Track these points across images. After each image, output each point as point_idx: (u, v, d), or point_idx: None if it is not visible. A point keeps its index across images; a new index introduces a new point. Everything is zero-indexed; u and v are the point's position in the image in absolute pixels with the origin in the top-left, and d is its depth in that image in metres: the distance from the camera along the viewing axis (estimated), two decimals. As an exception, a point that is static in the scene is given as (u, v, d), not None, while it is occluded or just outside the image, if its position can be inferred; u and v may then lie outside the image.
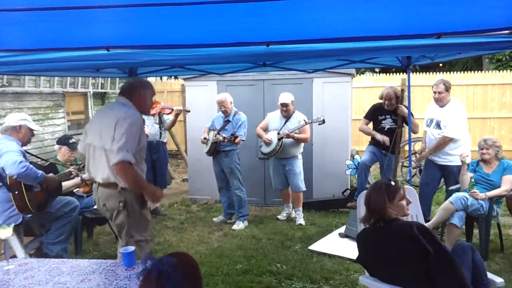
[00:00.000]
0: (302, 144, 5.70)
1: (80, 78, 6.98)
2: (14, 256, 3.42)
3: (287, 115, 5.58)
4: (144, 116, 5.72)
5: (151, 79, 10.76)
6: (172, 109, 5.89)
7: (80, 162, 4.92)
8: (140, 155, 3.06)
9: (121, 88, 3.31)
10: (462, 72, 10.29)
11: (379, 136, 5.19)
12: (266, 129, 5.75)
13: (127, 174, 2.90)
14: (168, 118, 6.04)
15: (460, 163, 4.75)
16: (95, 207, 4.52)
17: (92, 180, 3.23)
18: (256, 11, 2.17)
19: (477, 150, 4.55)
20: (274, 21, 2.44)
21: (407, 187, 3.17)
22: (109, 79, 7.84)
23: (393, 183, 2.70)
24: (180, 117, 9.62)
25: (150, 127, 5.86)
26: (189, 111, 6.24)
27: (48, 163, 4.35)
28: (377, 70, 16.32)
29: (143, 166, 3.16)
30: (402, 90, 5.07)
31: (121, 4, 2.01)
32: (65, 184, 4.36)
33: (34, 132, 4.03)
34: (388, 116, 5.23)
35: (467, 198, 4.30)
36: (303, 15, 2.30)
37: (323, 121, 5.49)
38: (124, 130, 2.88)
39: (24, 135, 3.89)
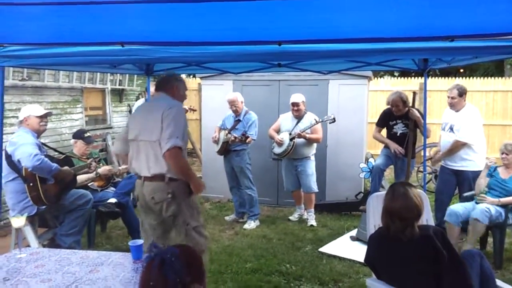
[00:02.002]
0: (315, 145, 5.69)
1: (98, 74, 7.07)
2: (28, 246, 3.50)
3: (298, 115, 5.58)
4: None
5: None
6: None
7: (96, 156, 5.00)
8: (184, 146, 3.14)
9: (155, 84, 3.41)
10: (482, 78, 10.13)
11: (392, 147, 5.14)
12: (278, 130, 5.76)
13: (178, 160, 2.99)
14: None
15: (474, 169, 4.68)
16: (109, 201, 4.61)
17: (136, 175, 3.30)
18: (268, 10, 2.19)
19: (499, 155, 4.49)
20: (286, 21, 2.45)
21: (418, 191, 3.14)
22: (127, 76, 7.91)
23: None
24: (196, 116, 9.75)
25: None
26: (195, 110, 6.23)
27: (64, 156, 4.43)
28: (396, 74, 16.18)
29: (185, 155, 3.22)
30: (414, 93, 5.00)
31: (136, 0, 2.05)
32: (80, 178, 4.44)
33: (46, 117, 4.08)
34: (399, 121, 5.17)
35: (489, 209, 4.21)
36: (315, 14, 2.30)
37: (334, 120, 5.48)
38: (172, 118, 2.99)
39: (34, 124, 3.95)
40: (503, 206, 4.28)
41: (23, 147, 3.68)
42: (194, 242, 3.14)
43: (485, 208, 4.20)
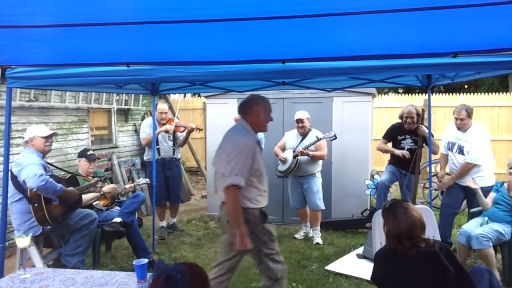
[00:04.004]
0: (320, 162, 5.67)
1: (104, 94, 7.14)
2: (33, 267, 3.49)
3: (303, 132, 5.58)
4: (160, 134, 5.84)
5: (174, 96, 10.96)
6: (186, 127, 5.98)
7: (102, 175, 5.01)
8: (256, 177, 3.14)
9: (238, 107, 3.39)
10: (487, 93, 10.14)
11: (398, 151, 5.14)
12: (284, 148, 5.76)
13: (231, 199, 2.99)
14: (182, 135, 6.12)
15: (484, 185, 4.62)
16: (114, 220, 4.60)
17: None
18: (272, 29, 2.21)
19: (507, 169, 4.45)
20: (290, 39, 2.48)
21: (423, 207, 3.12)
22: (132, 95, 7.97)
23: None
24: (201, 134, 9.79)
25: (164, 143, 5.96)
26: (201, 129, 6.29)
27: (70, 175, 4.44)
28: (400, 90, 16.23)
29: (263, 186, 3.22)
30: (423, 110, 5.01)
31: (140, 21, 2.08)
32: (85, 197, 4.44)
33: (52, 137, 4.10)
34: (408, 136, 5.19)
35: (484, 234, 4.12)
36: (318, 33, 2.33)
37: (335, 137, 5.47)
38: (235, 155, 3.01)
39: (39, 144, 3.96)
40: (507, 222, 4.24)
41: (28, 168, 3.70)
42: (269, 269, 3.15)
43: (480, 234, 4.11)
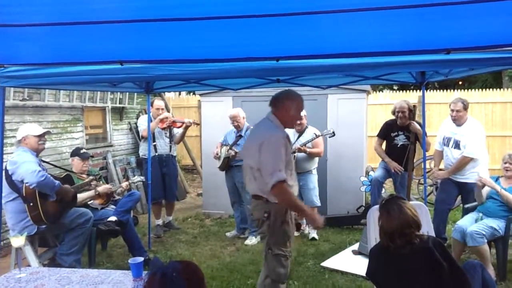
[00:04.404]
0: (316, 159, 5.68)
1: (98, 93, 7.11)
2: (28, 266, 3.48)
3: (300, 129, 5.58)
4: (156, 130, 5.86)
5: (169, 95, 10.95)
6: (183, 122, 5.98)
7: (96, 173, 5.00)
8: (289, 171, 3.08)
9: (270, 99, 3.28)
10: (481, 90, 10.18)
11: (393, 166, 5.19)
12: (280, 145, 5.76)
13: (284, 194, 2.93)
14: (178, 131, 6.12)
15: None
16: (109, 219, 4.60)
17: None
18: (266, 27, 2.22)
19: (501, 164, 4.47)
20: (283, 37, 2.49)
21: (418, 203, 3.14)
22: (127, 94, 7.94)
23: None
24: (196, 132, 9.78)
25: (161, 140, 5.97)
26: (198, 124, 6.27)
27: (65, 174, 4.44)
28: (395, 87, 16.27)
29: (291, 181, 3.14)
30: (415, 106, 5.04)
31: (133, 19, 2.08)
32: (80, 196, 4.43)
33: (45, 136, 4.08)
34: (401, 133, 5.22)
35: (478, 231, 4.14)
36: (311, 31, 2.34)
37: (333, 134, 5.49)
38: (270, 152, 2.93)
39: (32, 143, 3.95)
40: (502, 217, 4.27)
41: (26, 165, 3.69)
42: (270, 269, 3.11)
43: (474, 231, 4.13)
